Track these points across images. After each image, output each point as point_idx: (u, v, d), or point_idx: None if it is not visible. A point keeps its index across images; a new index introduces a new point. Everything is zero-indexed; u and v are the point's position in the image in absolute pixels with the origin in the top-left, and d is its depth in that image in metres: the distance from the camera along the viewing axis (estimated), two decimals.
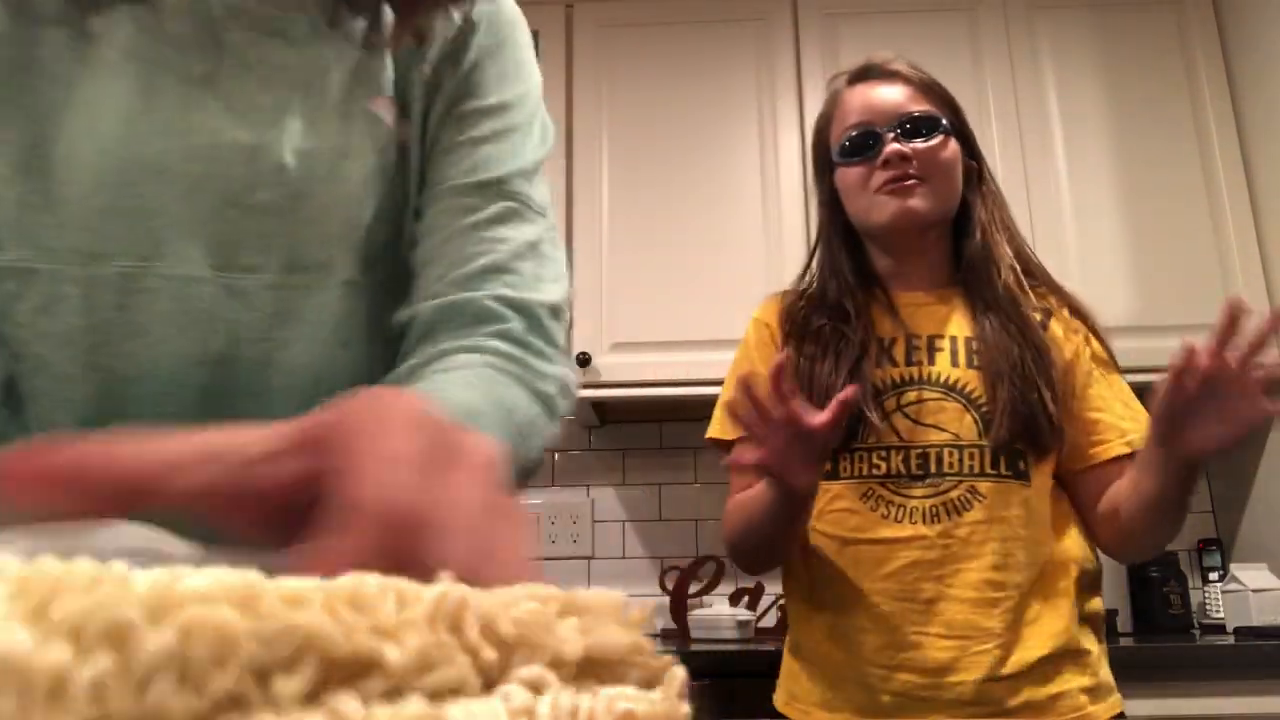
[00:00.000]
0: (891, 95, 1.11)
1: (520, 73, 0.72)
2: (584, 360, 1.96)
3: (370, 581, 0.18)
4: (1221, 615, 1.93)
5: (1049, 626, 1.00)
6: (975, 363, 1.04)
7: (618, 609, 0.22)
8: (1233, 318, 0.84)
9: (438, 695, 0.18)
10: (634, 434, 2.29)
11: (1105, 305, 1.97)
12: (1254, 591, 1.73)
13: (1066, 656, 1.00)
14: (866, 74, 1.14)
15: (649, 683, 0.22)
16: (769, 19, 2.14)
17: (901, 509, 1.02)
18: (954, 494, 1.01)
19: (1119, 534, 1.03)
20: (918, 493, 1.01)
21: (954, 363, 1.05)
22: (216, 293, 0.54)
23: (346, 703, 0.16)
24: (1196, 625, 2.02)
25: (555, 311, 0.61)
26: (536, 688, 0.19)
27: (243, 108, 0.55)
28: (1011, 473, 1.02)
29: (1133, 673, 1.51)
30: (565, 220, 2.06)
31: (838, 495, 1.05)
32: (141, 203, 0.53)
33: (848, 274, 1.12)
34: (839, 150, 1.12)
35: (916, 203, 1.07)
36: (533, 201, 0.63)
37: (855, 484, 1.04)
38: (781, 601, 2.01)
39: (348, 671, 0.17)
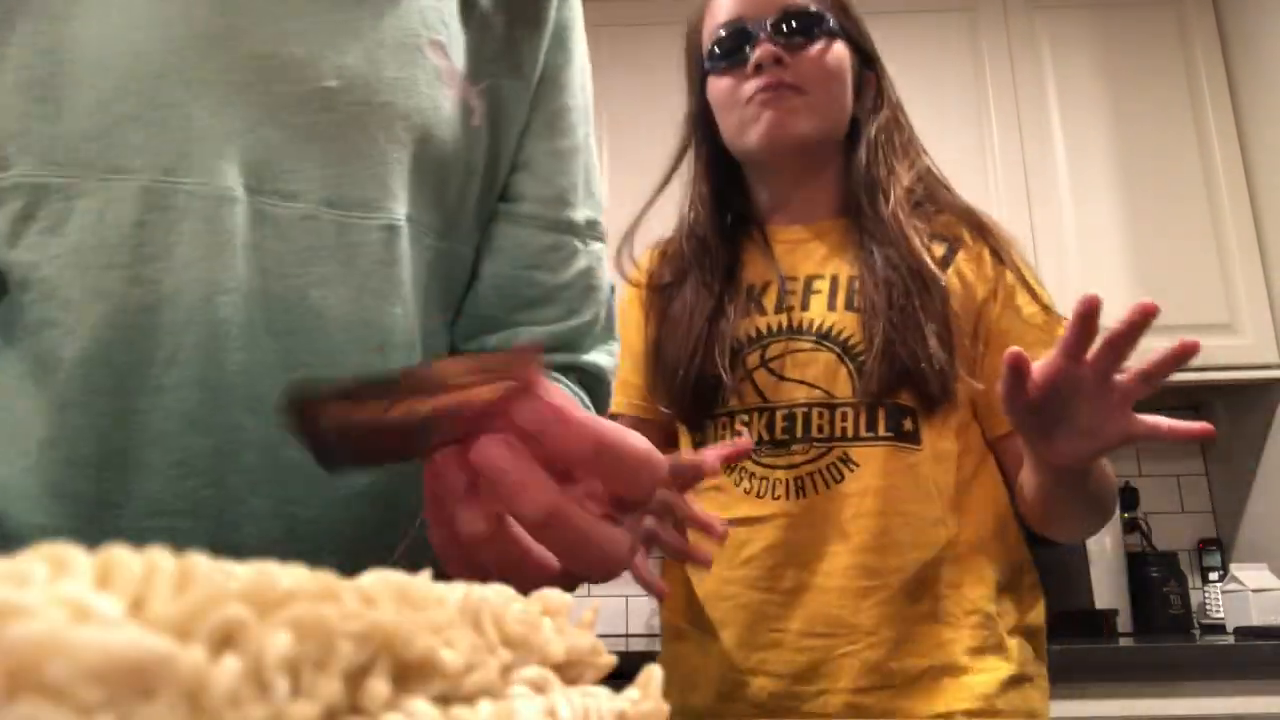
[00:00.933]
0: None
1: (582, 54, 0.68)
2: None
3: (413, 579, 0.18)
4: (1221, 615, 1.93)
5: (940, 630, 0.82)
6: (855, 304, 0.86)
7: (570, 609, 0.22)
8: (1085, 317, 0.66)
9: (472, 696, 0.18)
10: None
11: (1105, 305, 1.98)
12: (1254, 591, 1.73)
13: (960, 671, 0.81)
14: None
15: (597, 681, 0.22)
16: None
17: (764, 482, 0.85)
18: (823, 462, 0.84)
19: (1032, 517, 0.86)
20: (781, 462, 0.85)
21: (830, 306, 0.87)
22: (249, 216, 0.48)
23: (423, 706, 0.16)
24: (1196, 625, 2.02)
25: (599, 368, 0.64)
26: (540, 688, 0.19)
27: (290, 19, 0.50)
28: (893, 434, 0.84)
29: (1133, 673, 1.52)
30: None
31: None
32: (169, 112, 0.47)
33: (713, 210, 0.96)
34: (708, 54, 0.95)
35: (791, 119, 0.88)
36: (596, 230, 0.69)
37: None
38: None
39: (412, 672, 0.16)
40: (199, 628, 0.14)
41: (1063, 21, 2.13)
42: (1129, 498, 2.08)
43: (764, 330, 0.89)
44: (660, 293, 0.96)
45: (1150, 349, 2.06)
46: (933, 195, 0.94)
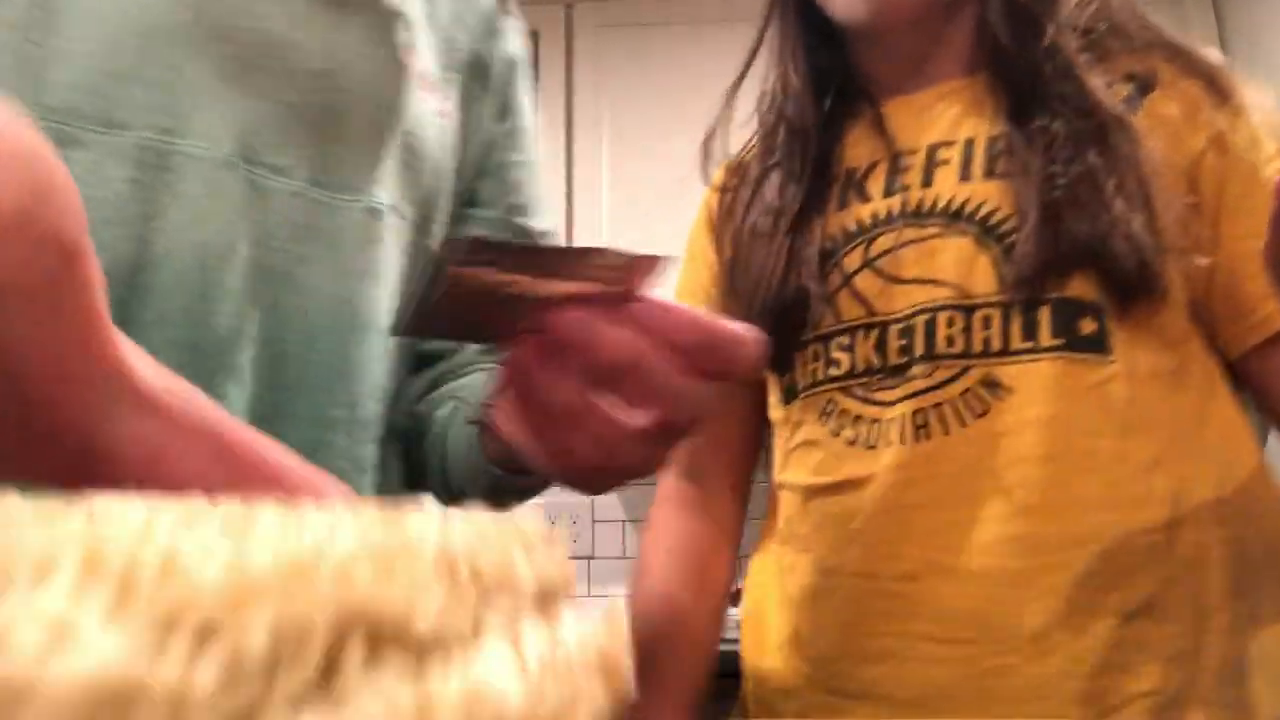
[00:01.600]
0: None
1: (531, 91, 0.74)
2: None
3: (387, 533, 0.18)
4: None
5: (1160, 637, 0.55)
6: (999, 169, 0.63)
7: (540, 535, 0.22)
8: None
9: (445, 648, 0.18)
10: None
11: None
12: None
13: (1189, 702, 0.54)
14: None
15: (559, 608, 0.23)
16: None
17: (876, 426, 0.62)
18: (957, 387, 0.60)
19: None
20: (898, 394, 0.62)
21: (964, 175, 0.64)
22: (245, 185, 0.49)
23: (393, 683, 0.17)
24: None
25: None
26: (511, 622, 0.19)
27: (282, 2, 0.52)
28: (1064, 340, 0.59)
29: None
30: (565, 220, 2.06)
31: (797, 423, 0.68)
32: (167, 72, 0.47)
33: (807, 87, 0.72)
34: None
35: None
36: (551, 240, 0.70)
37: (814, 396, 0.66)
38: None
39: (385, 636, 0.17)
40: (178, 632, 0.14)
41: None
42: None
43: (869, 220, 0.66)
44: (733, 207, 0.74)
45: None
46: (1118, 28, 0.68)
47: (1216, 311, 0.62)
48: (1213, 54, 0.69)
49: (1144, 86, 0.65)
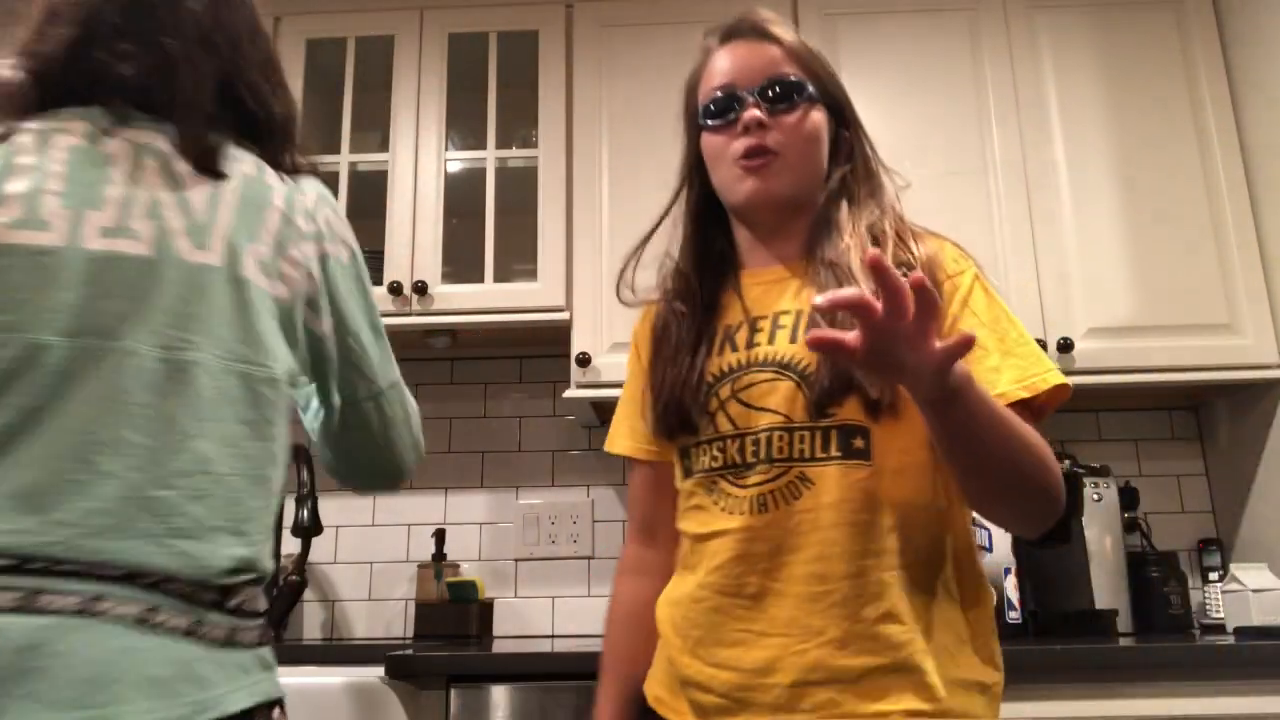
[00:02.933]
0: (759, 57, 1.03)
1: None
2: (584, 360, 1.96)
3: None
4: (1221, 615, 1.93)
5: (890, 632, 0.90)
6: None
7: None
8: (873, 269, 0.71)
9: None
10: None
11: (1105, 305, 1.98)
12: (1254, 591, 1.73)
13: (907, 674, 0.89)
14: (738, 31, 1.08)
15: None
16: None
17: (734, 499, 0.96)
18: (782, 481, 0.94)
19: (966, 497, 0.94)
20: (751, 481, 0.96)
21: (792, 338, 0.98)
22: None
23: None
24: (1196, 625, 2.02)
25: None
26: None
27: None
28: (842, 452, 0.93)
29: (1133, 673, 1.51)
30: (565, 220, 2.06)
31: (690, 492, 1.03)
32: None
33: (698, 250, 1.09)
34: (703, 112, 1.07)
35: (772, 180, 1.01)
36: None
37: (702, 478, 1.00)
38: None
39: None
40: None
41: (1063, 21, 2.13)
42: (1129, 498, 2.08)
43: (735, 365, 1.00)
44: (653, 341, 1.10)
45: (1150, 349, 2.05)
46: (899, 237, 1.01)
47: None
48: (960, 263, 1.02)
49: (907, 267, 0.96)
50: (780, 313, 1.00)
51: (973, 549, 0.99)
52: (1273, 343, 1.94)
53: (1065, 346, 1.92)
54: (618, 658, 1.10)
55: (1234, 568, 1.79)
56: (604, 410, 2.19)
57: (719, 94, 1.04)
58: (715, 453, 0.99)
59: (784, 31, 1.06)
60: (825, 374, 0.92)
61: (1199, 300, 1.97)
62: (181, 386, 0.83)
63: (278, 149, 1.01)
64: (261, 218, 0.93)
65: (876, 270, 0.70)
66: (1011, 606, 1.91)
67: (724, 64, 1.06)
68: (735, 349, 1.01)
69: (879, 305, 0.72)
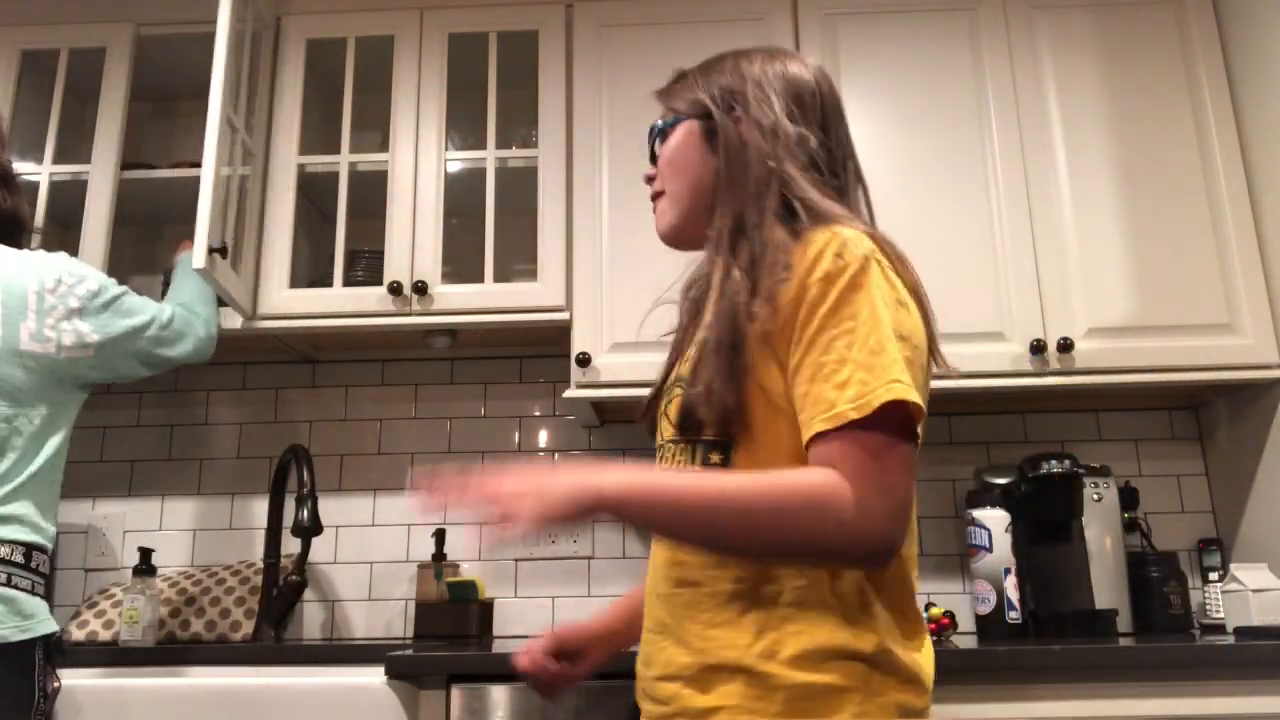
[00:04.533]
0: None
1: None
2: (584, 360, 1.96)
3: None
4: (1221, 615, 1.93)
5: (730, 634, 0.90)
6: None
7: None
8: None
9: None
10: (634, 434, 2.29)
11: (1105, 305, 1.98)
12: (1254, 591, 1.73)
13: (741, 673, 0.89)
14: None
15: None
16: (769, 19, 2.14)
17: None
18: None
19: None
20: None
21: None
22: None
23: None
24: (1196, 625, 2.02)
25: None
26: None
27: None
28: (703, 466, 0.95)
29: (1133, 673, 1.51)
30: (565, 220, 2.06)
31: None
32: None
33: (697, 276, 1.13)
34: None
35: (661, 219, 1.09)
36: None
37: None
38: None
39: None
40: None
41: (1063, 21, 2.13)
42: (1129, 498, 2.09)
43: (675, 378, 1.04)
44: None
45: (1150, 349, 2.05)
46: (758, 226, 0.97)
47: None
48: (815, 252, 0.91)
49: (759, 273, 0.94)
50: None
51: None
52: (1273, 343, 1.94)
53: (1065, 346, 1.92)
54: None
55: (1234, 568, 1.79)
56: (604, 410, 2.19)
57: None
58: (659, 459, 1.05)
59: (669, 86, 1.11)
60: (683, 400, 0.95)
61: (1199, 300, 1.97)
62: None
63: (20, 240, 1.58)
64: (24, 299, 1.46)
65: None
66: (1011, 606, 1.91)
67: None
68: (681, 363, 1.05)
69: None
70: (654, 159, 1.11)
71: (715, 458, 0.94)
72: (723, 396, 0.91)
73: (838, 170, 1.03)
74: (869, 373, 0.85)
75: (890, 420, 0.84)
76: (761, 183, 0.97)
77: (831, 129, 1.04)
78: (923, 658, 0.93)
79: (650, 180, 1.11)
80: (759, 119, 1.00)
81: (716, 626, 0.92)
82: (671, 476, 0.89)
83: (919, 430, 0.88)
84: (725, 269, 0.96)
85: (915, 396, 0.85)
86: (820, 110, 1.04)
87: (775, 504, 0.83)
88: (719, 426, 0.92)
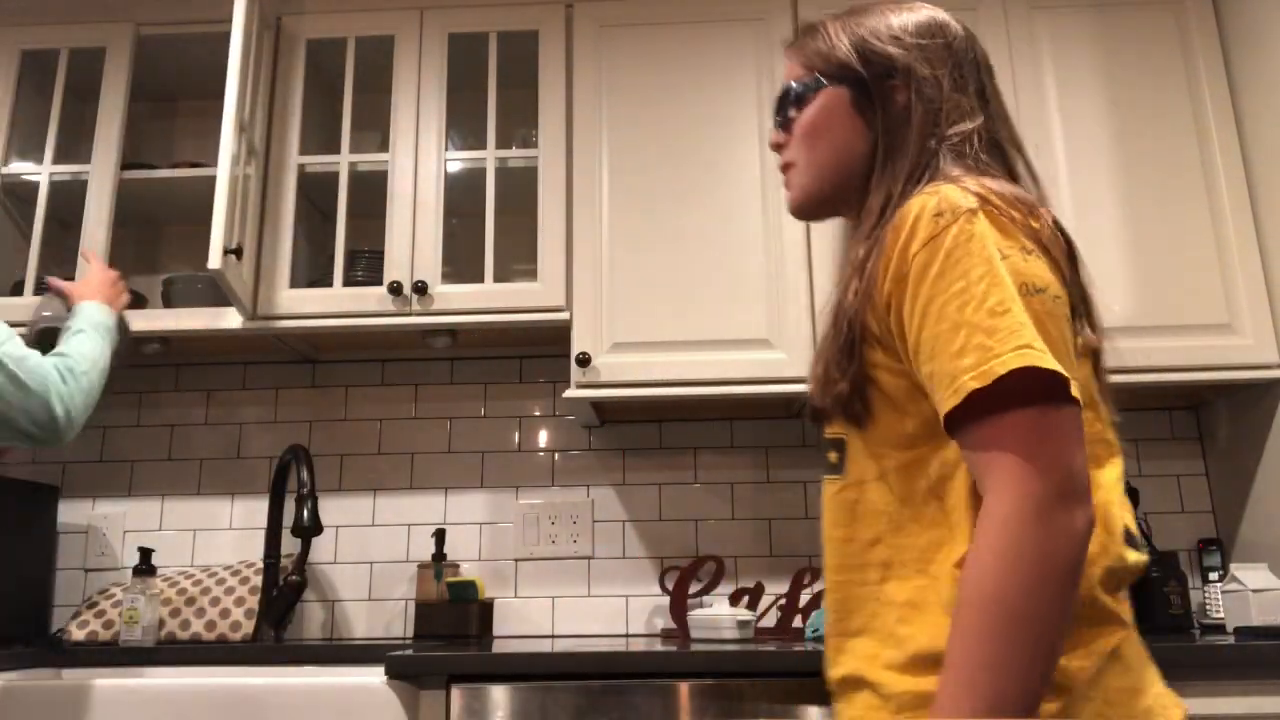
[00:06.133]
0: (781, 84, 1.03)
1: None
2: (584, 360, 1.96)
3: None
4: (1221, 615, 1.93)
5: (863, 644, 0.87)
6: None
7: None
8: None
9: None
10: (634, 434, 2.29)
11: (1105, 305, 1.98)
12: (1254, 591, 1.73)
13: (866, 686, 0.85)
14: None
15: None
16: (769, 19, 2.14)
17: None
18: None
19: None
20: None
21: None
22: None
23: None
24: (1196, 625, 2.02)
25: None
26: None
27: None
28: (826, 467, 0.93)
29: None
30: (565, 220, 2.06)
31: None
32: None
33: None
34: None
35: (789, 194, 1.01)
36: None
37: None
38: (782, 601, 2.01)
39: None
40: None
41: (1063, 21, 2.13)
42: (1129, 497, 2.08)
43: None
44: None
45: (1150, 349, 2.05)
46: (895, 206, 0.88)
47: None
48: (920, 217, 0.83)
49: (873, 249, 0.88)
50: None
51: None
52: (1273, 343, 1.94)
53: None
54: None
55: (1234, 568, 1.79)
56: (604, 410, 2.19)
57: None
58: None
59: (801, 40, 1.02)
60: (811, 394, 0.92)
61: (1199, 300, 1.97)
62: None
63: None
64: None
65: None
66: None
67: None
68: None
69: None
70: (784, 124, 1.01)
71: (833, 457, 0.92)
72: (837, 384, 0.86)
73: (1001, 141, 0.94)
74: (989, 336, 0.74)
75: (1033, 389, 0.73)
76: (918, 164, 0.89)
77: (990, 98, 0.96)
78: (1074, 662, 0.78)
79: (779, 148, 1.02)
80: (924, 90, 0.91)
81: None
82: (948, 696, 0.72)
83: (1073, 392, 0.75)
84: (866, 251, 0.87)
85: (1050, 362, 0.73)
86: (978, 75, 0.95)
87: (993, 599, 0.71)
88: (836, 415, 0.89)
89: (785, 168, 1.02)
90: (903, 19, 0.96)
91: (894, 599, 0.84)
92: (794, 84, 1.00)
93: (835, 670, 0.90)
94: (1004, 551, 0.70)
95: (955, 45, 0.95)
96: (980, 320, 0.75)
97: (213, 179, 1.85)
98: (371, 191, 2.16)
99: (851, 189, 0.96)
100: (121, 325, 1.65)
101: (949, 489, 0.82)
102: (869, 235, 0.88)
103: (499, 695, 1.52)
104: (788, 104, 1.00)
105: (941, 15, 0.98)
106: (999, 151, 0.93)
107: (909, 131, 0.91)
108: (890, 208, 0.87)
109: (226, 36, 1.95)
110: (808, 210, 1.01)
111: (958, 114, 0.91)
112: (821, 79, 0.97)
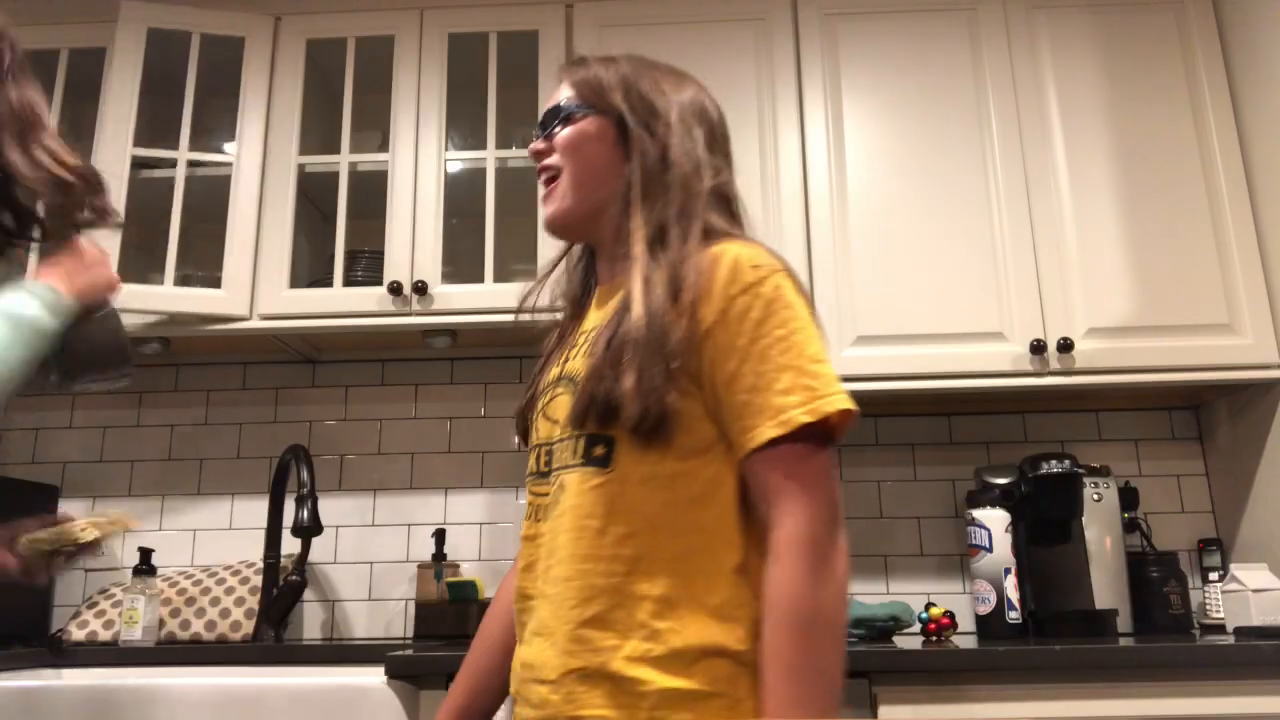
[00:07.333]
0: (550, 100, 1.10)
1: None
2: None
3: None
4: (1221, 615, 1.93)
5: (601, 637, 0.88)
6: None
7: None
8: None
9: None
10: None
11: (1105, 305, 1.98)
12: (1254, 591, 1.73)
13: (607, 679, 0.87)
14: None
15: None
16: (769, 19, 2.15)
17: (532, 508, 1.03)
18: (552, 488, 0.98)
19: None
20: (539, 490, 1.01)
21: (588, 354, 0.97)
22: None
23: None
24: (1196, 625, 2.02)
25: None
26: None
27: None
28: (584, 459, 0.93)
29: (1133, 673, 1.51)
30: None
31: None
32: None
33: (578, 276, 1.16)
34: None
35: (549, 203, 1.07)
36: None
37: (526, 483, 1.07)
38: None
39: None
40: None
41: (1063, 21, 2.13)
42: (1129, 498, 2.09)
43: (554, 379, 1.04)
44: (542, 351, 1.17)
45: (1150, 349, 2.06)
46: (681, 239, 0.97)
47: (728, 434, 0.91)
48: (720, 274, 0.94)
49: (680, 285, 0.95)
50: (591, 329, 1.02)
51: (744, 569, 0.91)
52: (1273, 343, 1.94)
53: (1065, 346, 1.92)
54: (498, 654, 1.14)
55: (1234, 568, 1.79)
56: None
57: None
58: (531, 461, 1.05)
59: (571, 63, 1.11)
60: (579, 396, 0.93)
61: (1199, 300, 1.97)
62: None
63: None
64: None
65: None
66: (1011, 606, 1.91)
67: None
68: (560, 364, 1.05)
69: None
70: (548, 137, 1.07)
71: (599, 450, 0.93)
72: (659, 393, 0.88)
73: (734, 205, 1.06)
74: (814, 380, 0.88)
75: (833, 432, 0.89)
76: (682, 205, 0.98)
77: (730, 164, 1.09)
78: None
79: (539, 155, 1.08)
80: (684, 144, 1.02)
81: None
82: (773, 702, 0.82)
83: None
84: (645, 275, 0.94)
85: (854, 410, 0.89)
86: (725, 145, 1.10)
87: (807, 621, 0.82)
88: (630, 419, 0.89)
89: (547, 180, 1.07)
90: (670, 86, 1.07)
91: (646, 594, 0.88)
92: (563, 103, 1.07)
93: (568, 661, 0.89)
94: (817, 569, 0.83)
95: (709, 114, 1.08)
96: (804, 365, 0.88)
97: (216, 177, 1.85)
98: (371, 191, 2.16)
99: (606, 216, 1.03)
100: (93, 313, 1.33)
101: (711, 501, 0.91)
102: (648, 257, 0.95)
103: None
104: (555, 119, 1.07)
105: (704, 93, 1.10)
106: (734, 212, 1.05)
107: (669, 175, 1.00)
108: (670, 241, 0.96)
109: (228, 39, 1.95)
110: (567, 223, 1.06)
111: (712, 170, 1.03)
112: (591, 107, 1.05)
